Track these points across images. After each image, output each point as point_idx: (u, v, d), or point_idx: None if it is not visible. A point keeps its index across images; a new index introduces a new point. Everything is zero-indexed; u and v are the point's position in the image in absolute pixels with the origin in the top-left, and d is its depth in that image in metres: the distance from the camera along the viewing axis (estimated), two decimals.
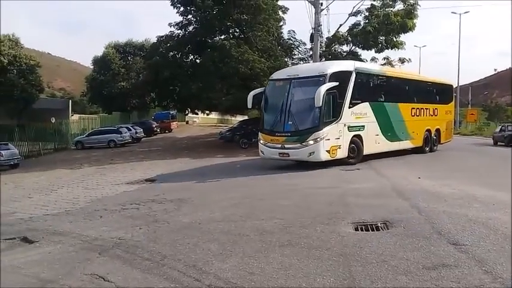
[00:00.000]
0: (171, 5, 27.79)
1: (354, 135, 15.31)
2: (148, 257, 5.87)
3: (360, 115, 15.64)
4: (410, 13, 26.85)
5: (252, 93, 16.64)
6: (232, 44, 24.98)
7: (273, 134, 14.85)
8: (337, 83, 14.37)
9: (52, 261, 6.09)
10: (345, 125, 14.84)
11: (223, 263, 5.42)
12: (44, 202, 11.80)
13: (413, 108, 19.02)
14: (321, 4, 23.96)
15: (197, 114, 43.43)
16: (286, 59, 29.27)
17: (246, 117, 43.97)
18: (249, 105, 16.45)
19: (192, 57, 29.37)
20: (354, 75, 15.40)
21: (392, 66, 28.89)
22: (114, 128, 37.02)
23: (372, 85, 17.01)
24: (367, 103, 16.07)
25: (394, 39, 27.60)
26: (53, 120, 36.19)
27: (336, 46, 30.09)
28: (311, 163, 14.33)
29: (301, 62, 29.79)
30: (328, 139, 14.25)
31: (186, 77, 26.65)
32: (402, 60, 29.70)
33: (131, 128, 38.46)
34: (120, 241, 6.84)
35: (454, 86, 23.87)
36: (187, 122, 58.50)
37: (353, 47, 29.66)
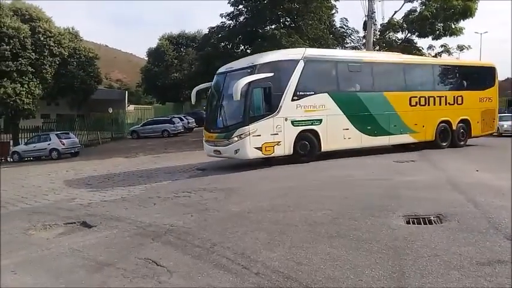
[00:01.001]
0: None
1: (304, 130, 14.08)
2: (199, 244, 6.02)
3: (312, 108, 14.23)
4: None
5: (196, 88, 16.12)
6: (283, 33, 24.86)
7: (209, 131, 14.50)
8: (270, 74, 13.38)
9: (109, 245, 6.38)
10: (286, 119, 13.68)
11: (271, 252, 5.47)
12: (102, 189, 12.32)
13: (414, 97, 16.64)
14: None
15: None
16: (338, 48, 28.79)
17: None
18: (193, 101, 16.44)
19: (242, 47, 29.57)
20: (301, 64, 14.04)
21: (450, 54, 27.66)
22: (168, 118, 38.06)
23: (334, 74, 15.24)
24: (325, 94, 14.55)
25: (453, 25, 26.39)
26: (110, 110, 37.72)
27: (391, 34, 29.22)
28: (365, 152, 14.18)
29: (354, 51, 29.20)
30: (259, 135, 13.26)
31: None
32: (461, 48, 28.35)
33: (184, 118, 39.42)
34: (172, 228, 7.06)
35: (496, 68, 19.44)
36: None
37: (408, 35, 28.70)
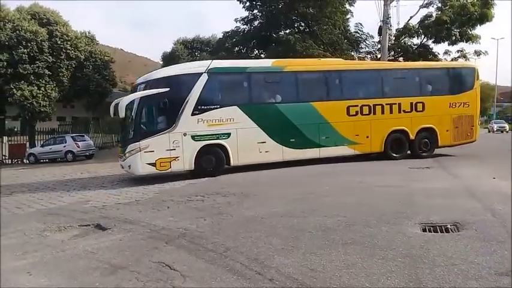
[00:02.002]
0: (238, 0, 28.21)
1: (208, 145, 13.85)
2: (212, 248, 6.01)
3: (218, 122, 13.95)
4: (487, 2, 25.27)
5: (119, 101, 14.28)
6: (297, 38, 24.89)
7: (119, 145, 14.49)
8: (165, 89, 13.21)
9: (123, 248, 6.40)
10: (185, 134, 13.53)
11: (285, 258, 5.43)
12: (115, 191, 12.39)
13: (354, 105, 15.55)
14: None
15: None
16: (352, 53, 28.71)
17: None
18: (121, 115, 13.35)
19: (256, 52, 29.66)
20: (204, 78, 13.80)
21: (467, 59, 27.35)
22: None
23: (246, 86, 14.73)
24: (235, 107, 14.17)
25: (469, 31, 26.13)
26: None
27: (406, 39, 29.04)
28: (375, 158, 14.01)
29: (368, 56, 29.10)
30: (152, 151, 13.14)
31: None
32: (478, 53, 28.03)
33: None
34: (185, 231, 7.06)
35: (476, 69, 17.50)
36: None
37: (424, 40, 28.48)
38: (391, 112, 15.98)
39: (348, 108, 15.45)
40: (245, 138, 14.15)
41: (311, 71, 15.89)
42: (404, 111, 16.13)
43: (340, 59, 19.79)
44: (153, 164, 13.28)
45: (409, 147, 16.36)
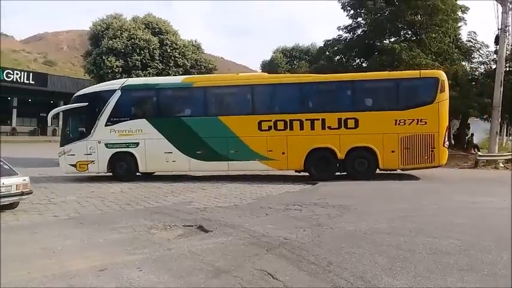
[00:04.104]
0: (341, 8, 27.88)
1: (119, 152, 15.36)
2: (314, 261, 5.85)
3: (127, 132, 15.36)
4: None
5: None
6: (403, 47, 23.79)
7: None
8: (84, 104, 15.55)
9: (225, 251, 6.49)
10: (99, 142, 15.38)
11: (393, 279, 5.12)
12: (215, 195, 12.73)
13: (267, 120, 14.87)
14: (510, 2, 21.31)
15: None
16: (464, 63, 26.81)
17: None
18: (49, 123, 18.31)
19: (358, 61, 28.95)
20: (117, 94, 15.46)
21: None
22: None
23: (155, 100, 16.11)
24: (143, 120, 15.46)
25: None
26: None
27: None
28: None
29: (482, 67, 26.96)
30: (73, 154, 15.45)
31: None
32: None
33: None
34: (285, 241, 6.98)
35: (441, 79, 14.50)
36: None
37: None
38: (312, 128, 14.72)
39: (259, 122, 14.92)
40: (152, 148, 15.23)
41: (220, 86, 16.06)
42: (329, 127, 14.67)
43: (264, 74, 18.50)
44: (74, 165, 15.55)
45: (343, 167, 14.84)
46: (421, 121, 14.21)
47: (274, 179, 15.57)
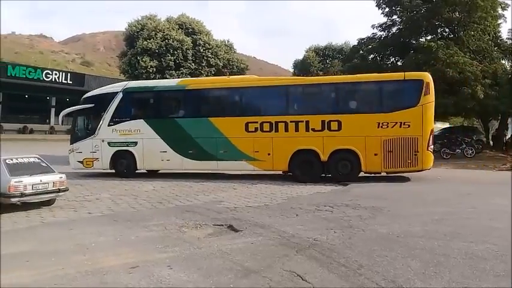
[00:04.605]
0: (376, 5, 27.46)
1: (120, 151, 16.21)
2: (345, 263, 5.76)
3: (127, 132, 16.19)
4: None
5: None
6: (440, 45, 23.14)
7: None
8: (90, 105, 16.66)
9: (254, 252, 6.48)
10: (103, 140, 16.29)
11: (426, 284, 4.99)
12: (246, 194, 12.74)
13: (253, 122, 15.12)
14: None
15: None
16: (503, 62, 25.86)
17: (447, 125, 40.59)
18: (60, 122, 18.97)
19: (393, 59, 28.41)
20: (119, 96, 16.38)
21: None
22: None
23: (152, 102, 16.84)
24: (141, 120, 16.21)
25: None
26: None
27: None
28: None
29: None
30: (80, 152, 16.49)
31: None
32: None
33: None
34: (315, 242, 6.91)
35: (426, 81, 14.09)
36: None
37: None
38: (296, 130, 14.83)
39: (246, 124, 15.23)
40: (149, 147, 15.97)
41: (210, 88, 16.63)
42: (313, 129, 14.65)
43: (254, 76, 18.43)
44: (81, 162, 16.55)
45: (326, 169, 14.81)
46: (404, 124, 13.96)
47: None
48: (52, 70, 43.02)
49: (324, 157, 14.59)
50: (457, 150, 23.18)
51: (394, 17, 27.28)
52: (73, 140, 16.94)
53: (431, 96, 14.07)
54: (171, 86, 17.50)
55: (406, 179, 14.74)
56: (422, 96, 13.92)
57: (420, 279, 5.13)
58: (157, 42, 36.32)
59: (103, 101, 16.64)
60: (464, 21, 24.73)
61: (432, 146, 14.32)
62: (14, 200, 9.86)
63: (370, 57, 28.17)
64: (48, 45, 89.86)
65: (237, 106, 16.09)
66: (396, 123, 13.97)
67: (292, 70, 56.96)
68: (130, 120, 16.32)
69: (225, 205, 10.87)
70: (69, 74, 44.60)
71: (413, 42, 26.31)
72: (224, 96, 16.55)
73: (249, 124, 15.19)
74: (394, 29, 27.60)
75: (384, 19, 27.85)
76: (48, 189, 10.35)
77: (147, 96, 16.93)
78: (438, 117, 36.82)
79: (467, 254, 6.06)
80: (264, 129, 15.08)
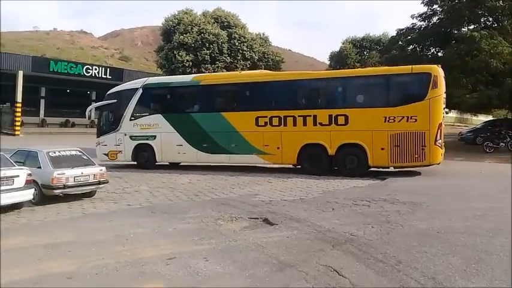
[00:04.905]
0: None
1: (140, 144, 16.88)
2: (382, 259, 5.66)
3: (147, 126, 16.81)
4: None
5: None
6: (483, 35, 22.23)
7: None
8: (113, 101, 17.53)
9: (290, 245, 6.46)
10: (125, 134, 17.02)
11: (467, 281, 4.84)
12: (281, 188, 12.71)
13: (263, 116, 15.34)
14: None
15: None
16: None
17: (490, 118, 39.15)
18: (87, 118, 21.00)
19: (433, 50, 27.57)
20: (139, 92, 17.05)
21: None
22: None
23: (169, 98, 17.48)
24: (159, 115, 16.76)
25: None
26: None
27: None
28: None
29: None
30: (106, 145, 17.30)
31: None
32: None
33: None
34: (352, 237, 6.82)
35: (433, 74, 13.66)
36: None
37: None
38: (304, 124, 14.94)
39: (256, 118, 15.49)
40: (167, 140, 16.57)
41: (223, 83, 17.08)
42: (321, 124, 14.72)
43: (266, 71, 19.53)
44: (107, 154, 17.23)
45: (334, 163, 14.82)
46: (411, 118, 13.74)
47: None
48: (92, 65, 44.06)
49: (331, 151, 14.65)
50: (501, 144, 22.28)
51: (435, 6, 26.39)
52: (99, 134, 17.88)
53: (440, 90, 13.74)
54: (186, 81, 17.92)
55: (444, 174, 14.30)
56: (430, 90, 13.62)
57: (461, 276, 4.98)
58: (193, 37, 36.65)
59: (125, 96, 17.43)
60: (509, 10, 23.65)
61: (440, 141, 13.90)
62: (56, 191, 10.25)
63: (409, 48, 27.43)
64: (88, 40, 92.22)
65: (248, 101, 16.32)
66: (403, 117, 13.80)
67: (328, 62, 56.19)
68: (149, 115, 16.98)
69: (260, 198, 10.89)
70: (108, 69, 45.51)
71: (455, 32, 25.40)
72: (235, 91, 16.85)
73: (259, 118, 15.46)
74: (434, 19, 26.72)
75: (423, 9, 27.03)
76: (89, 181, 10.69)
77: (164, 92, 17.64)
78: (481, 110, 35.78)
79: (510, 251, 5.83)
80: (273, 124, 15.31)
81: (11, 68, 32.29)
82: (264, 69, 38.57)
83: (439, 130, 13.77)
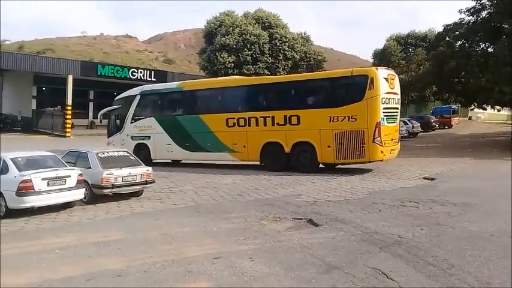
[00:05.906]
0: None
1: (139, 144, 18.62)
2: (433, 262, 5.49)
3: (143, 128, 18.77)
4: None
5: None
6: None
7: None
8: (119, 106, 19.94)
9: (335, 247, 6.37)
10: (128, 135, 19.06)
11: None
12: (325, 188, 12.56)
13: (231, 118, 16.71)
14: None
15: (484, 109, 38.93)
16: None
17: None
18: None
19: (483, 45, 26.44)
20: (137, 97, 19.22)
21: None
22: None
23: (159, 102, 19.39)
24: (152, 118, 18.62)
25: None
26: None
27: None
28: None
29: None
30: (114, 145, 18.92)
31: (476, 68, 24.20)
32: None
33: (408, 122, 37.53)
34: (400, 239, 6.66)
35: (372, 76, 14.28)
36: (470, 118, 53.65)
37: None
38: (265, 125, 16.19)
39: (227, 120, 16.83)
40: (159, 141, 18.30)
41: (200, 89, 18.78)
42: (278, 124, 15.91)
43: (236, 77, 22.34)
44: None
45: (290, 160, 15.80)
46: (351, 118, 14.58)
47: (387, 172, 14.97)
48: (137, 68, 45.26)
49: (287, 149, 15.75)
50: None
51: (484, 0, 25.31)
52: (108, 135, 20.50)
53: (376, 90, 14.38)
54: (173, 88, 19.86)
55: (494, 174, 13.67)
56: (367, 91, 14.37)
57: None
58: (234, 38, 36.90)
59: (127, 101, 19.63)
60: None
61: (379, 138, 14.43)
62: (106, 191, 10.61)
63: (457, 44, 26.44)
64: (133, 44, 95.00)
65: (220, 104, 17.81)
66: (345, 117, 14.67)
67: (371, 60, 55.08)
68: (145, 118, 18.95)
69: (304, 199, 10.81)
70: (153, 72, 46.71)
71: (506, 26, 24.21)
72: (210, 96, 18.48)
73: (229, 120, 16.86)
74: (483, 13, 25.57)
75: (472, 3, 25.95)
76: (136, 181, 11.00)
77: (156, 97, 19.70)
78: None
79: None
80: (240, 124, 16.67)
81: (61, 72, 33.75)
82: (306, 68, 38.47)
83: (377, 128, 14.42)
